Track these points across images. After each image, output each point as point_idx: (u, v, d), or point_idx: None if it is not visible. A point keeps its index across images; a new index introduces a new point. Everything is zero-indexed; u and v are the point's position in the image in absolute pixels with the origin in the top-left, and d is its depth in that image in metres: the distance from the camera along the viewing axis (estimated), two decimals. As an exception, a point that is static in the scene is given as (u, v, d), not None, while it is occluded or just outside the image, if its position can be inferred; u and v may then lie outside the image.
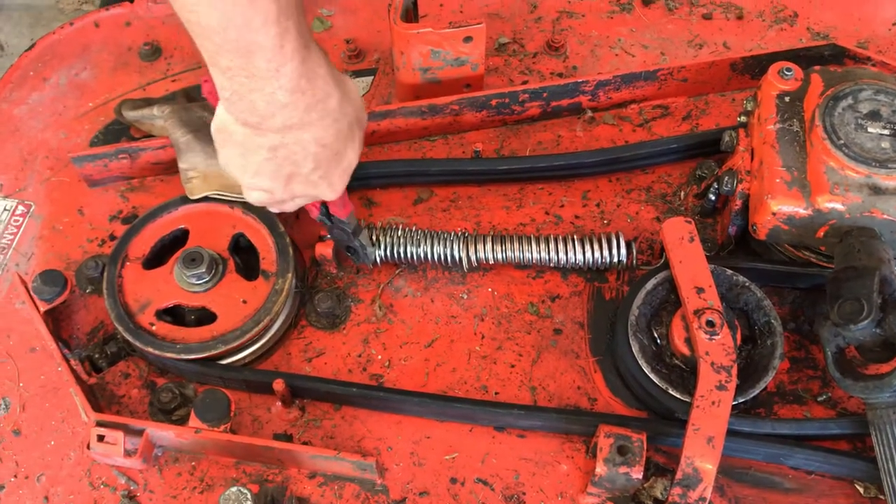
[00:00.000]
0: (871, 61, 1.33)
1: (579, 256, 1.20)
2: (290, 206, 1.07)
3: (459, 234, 1.22)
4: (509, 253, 1.20)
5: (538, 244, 1.20)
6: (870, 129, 1.08)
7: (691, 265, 1.10)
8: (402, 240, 1.21)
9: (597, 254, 1.19)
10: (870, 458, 1.05)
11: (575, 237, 1.21)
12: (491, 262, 1.21)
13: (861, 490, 1.08)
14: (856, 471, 1.07)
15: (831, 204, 1.05)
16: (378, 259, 1.22)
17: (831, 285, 1.03)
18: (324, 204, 1.12)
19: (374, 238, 1.21)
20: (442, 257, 1.21)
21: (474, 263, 1.21)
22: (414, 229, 1.22)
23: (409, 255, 1.21)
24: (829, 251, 1.10)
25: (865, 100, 1.10)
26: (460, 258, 1.20)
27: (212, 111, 1.25)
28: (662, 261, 1.16)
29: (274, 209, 1.07)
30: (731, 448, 1.05)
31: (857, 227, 1.06)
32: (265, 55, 0.83)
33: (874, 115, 1.09)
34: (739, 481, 1.09)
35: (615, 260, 1.20)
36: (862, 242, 1.04)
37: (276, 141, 0.92)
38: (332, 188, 1.02)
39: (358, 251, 1.19)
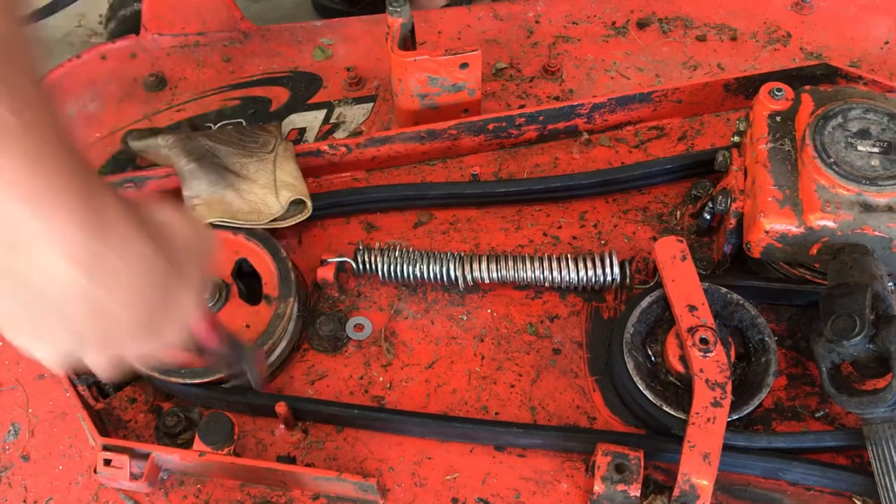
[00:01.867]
0: (863, 80, 1.35)
1: (573, 275, 1.21)
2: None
3: (455, 253, 1.24)
4: (504, 272, 1.22)
5: (532, 263, 1.22)
6: (859, 147, 1.10)
7: (684, 283, 1.12)
8: (399, 260, 1.23)
9: (590, 272, 1.21)
10: (868, 473, 1.06)
11: (569, 256, 1.23)
12: (486, 281, 1.23)
13: (859, 505, 1.09)
14: (854, 485, 1.08)
15: (823, 221, 1.07)
16: (374, 269, 1.23)
17: (824, 302, 1.04)
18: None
19: (373, 259, 1.24)
20: (438, 276, 1.23)
21: (470, 283, 1.23)
22: (411, 249, 1.25)
23: (406, 274, 1.23)
24: (823, 268, 1.12)
25: (855, 118, 1.12)
26: (456, 277, 1.22)
27: (217, 140, 1.29)
28: (655, 280, 1.17)
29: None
30: (728, 463, 1.06)
31: (849, 244, 1.07)
32: None
33: (864, 134, 1.11)
34: (738, 498, 1.09)
35: (608, 279, 1.21)
36: (854, 259, 1.05)
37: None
38: (155, 336, 0.76)
39: (251, 377, 1.06)
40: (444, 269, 1.22)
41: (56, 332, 0.69)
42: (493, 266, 1.22)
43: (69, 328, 0.69)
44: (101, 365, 0.77)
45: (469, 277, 1.23)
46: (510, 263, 1.22)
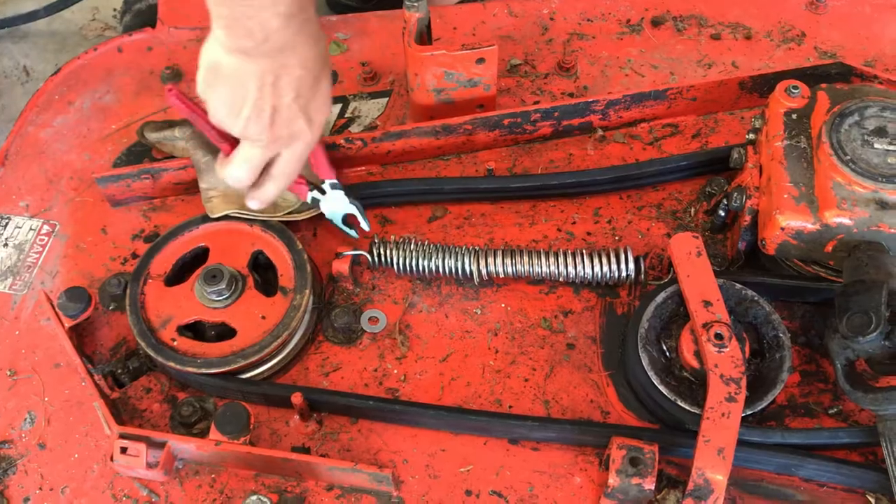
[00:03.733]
0: (878, 79, 1.35)
1: (588, 270, 1.22)
2: (278, 175, 1.13)
3: (470, 247, 1.24)
4: (519, 266, 1.23)
5: (547, 258, 1.23)
6: (876, 145, 1.10)
7: (699, 279, 1.12)
8: (414, 253, 1.24)
9: (605, 268, 1.22)
10: (882, 469, 1.07)
11: (584, 251, 1.23)
12: (501, 275, 1.23)
13: (872, 501, 1.09)
14: (867, 482, 1.08)
15: (839, 219, 1.07)
16: (393, 264, 1.24)
17: (840, 299, 1.04)
18: (311, 183, 1.22)
19: (387, 252, 1.24)
20: (453, 270, 1.23)
21: (485, 277, 1.23)
22: (426, 243, 1.25)
23: (421, 268, 1.24)
24: (838, 265, 1.12)
25: (871, 116, 1.12)
26: (471, 271, 1.23)
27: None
28: (670, 276, 1.18)
29: (260, 192, 1.15)
30: (742, 459, 1.06)
31: (865, 242, 1.07)
32: None
33: (880, 132, 1.11)
34: (752, 493, 1.10)
35: (623, 274, 1.22)
36: (870, 256, 1.05)
37: (265, 66, 1.00)
38: (310, 124, 1.08)
39: (357, 215, 1.25)
40: (459, 263, 1.23)
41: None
42: (507, 260, 1.23)
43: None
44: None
45: (484, 271, 1.23)
46: (525, 258, 1.23)
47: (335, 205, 1.25)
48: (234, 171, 1.12)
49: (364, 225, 1.27)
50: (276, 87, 1.02)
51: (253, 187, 1.16)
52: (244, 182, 1.14)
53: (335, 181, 1.24)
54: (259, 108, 1.03)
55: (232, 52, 1.00)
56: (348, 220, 1.27)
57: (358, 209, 1.26)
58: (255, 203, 1.18)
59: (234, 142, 1.12)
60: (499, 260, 1.23)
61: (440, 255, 1.23)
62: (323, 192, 1.23)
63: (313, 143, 1.13)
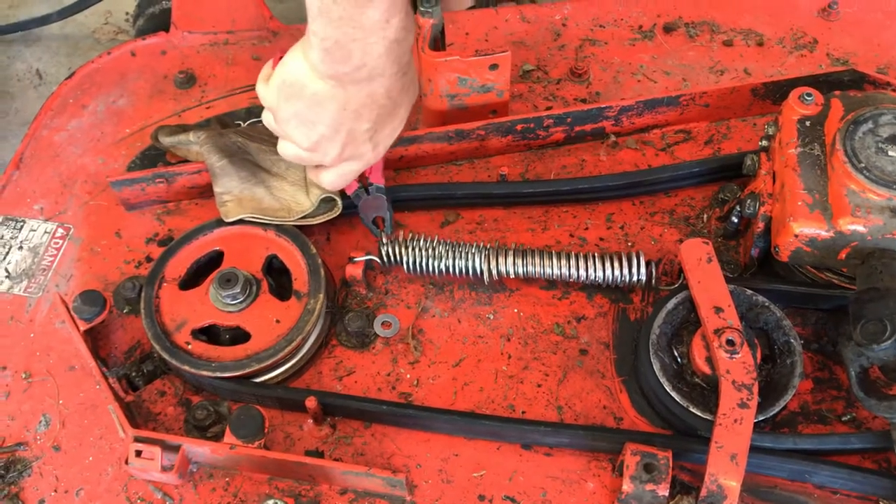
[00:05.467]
0: (891, 86, 1.35)
1: (599, 273, 1.22)
2: (333, 178, 1.15)
3: (481, 247, 1.24)
4: (530, 267, 1.23)
5: (559, 259, 1.23)
6: (890, 153, 1.10)
7: (710, 285, 1.12)
8: (424, 251, 1.24)
9: (617, 271, 1.22)
10: (895, 476, 1.07)
11: (596, 254, 1.23)
12: (512, 275, 1.24)
13: (886, 509, 1.09)
14: (880, 489, 1.08)
15: (853, 226, 1.07)
16: (400, 261, 1.26)
17: (854, 306, 1.04)
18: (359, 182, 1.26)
19: (398, 251, 1.25)
20: (464, 269, 1.24)
21: (495, 277, 1.24)
22: (436, 240, 1.25)
23: (431, 268, 1.24)
24: (851, 273, 1.12)
25: (886, 124, 1.12)
26: (482, 271, 1.23)
27: (248, 137, 1.30)
28: (680, 281, 1.18)
29: (323, 180, 1.17)
30: (755, 465, 1.06)
31: (879, 249, 1.07)
32: (381, 6, 0.91)
33: (894, 139, 1.11)
34: (765, 500, 1.10)
35: (635, 278, 1.22)
36: (884, 264, 1.05)
37: (352, 94, 1.00)
38: (374, 147, 1.11)
39: (386, 219, 1.29)
40: (470, 262, 1.23)
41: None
42: (518, 261, 1.23)
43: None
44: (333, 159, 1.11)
45: (495, 272, 1.23)
46: (536, 258, 1.23)
47: (372, 205, 1.28)
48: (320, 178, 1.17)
49: (387, 228, 1.30)
50: (358, 113, 1.03)
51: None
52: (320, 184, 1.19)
53: (381, 185, 1.27)
54: (335, 129, 1.05)
55: (323, 78, 0.99)
56: (376, 220, 1.30)
57: (389, 215, 1.29)
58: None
59: None
60: (510, 260, 1.23)
61: (451, 254, 1.24)
62: (368, 192, 1.27)
63: (373, 163, 1.17)
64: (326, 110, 1.02)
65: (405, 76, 1.04)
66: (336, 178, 1.16)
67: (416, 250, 1.24)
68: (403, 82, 1.05)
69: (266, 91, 1.07)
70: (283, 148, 1.13)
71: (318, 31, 0.94)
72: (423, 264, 1.24)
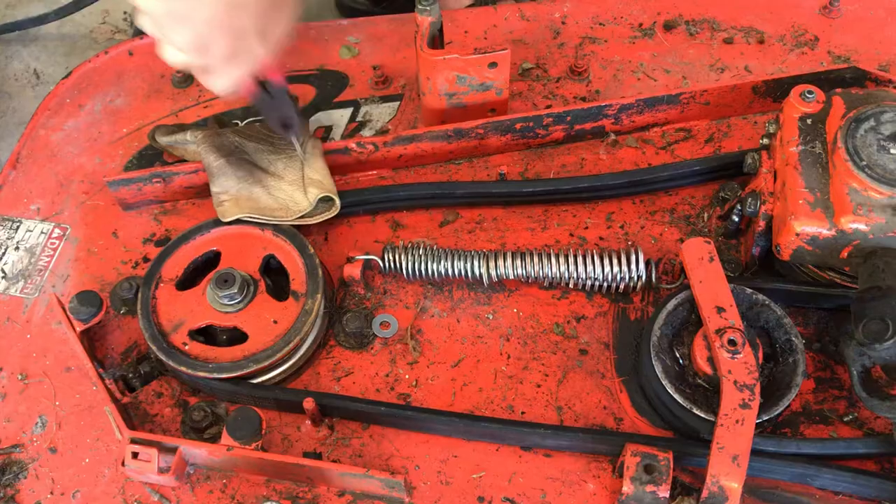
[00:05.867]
0: (893, 84, 1.34)
1: (598, 271, 1.21)
2: (224, 81, 1.11)
3: (479, 250, 1.24)
4: (529, 268, 1.22)
5: (557, 259, 1.22)
6: (892, 151, 1.09)
7: (712, 285, 1.11)
8: (423, 257, 1.23)
9: (615, 269, 1.21)
10: (897, 479, 1.06)
11: (594, 252, 1.22)
12: (511, 277, 1.23)
13: (888, 511, 1.08)
14: (883, 492, 1.07)
15: (855, 225, 1.06)
16: (403, 269, 1.24)
17: (856, 305, 1.03)
18: (260, 82, 1.17)
19: (397, 257, 1.24)
20: (463, 273, 1.23)
21: (495, 279, 1.23)
22: (435, 247, 1.25)
23: (430, 272, 1.23)
24: (853, 271, 1.11)
25: (887, 121, 1.11)
26: (480, 274, 1.22)
27: (245, 136, 1.30)
28: (680, 281, 1.17)
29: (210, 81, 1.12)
30: (757, 468, 1.05)
31: (881, 248, 1.06)
32: None
33: (896, 137, 1.10)
34: (766, 501, 1.09)
35: (634, 276, 1.21)
36: (886, 262, 1.04)
37: None
38: (264, 43, 1.06)
39: (295, 118, 1.22)
40: (469, 266, 1.22)
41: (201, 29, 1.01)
42: (517, 262, 1.22)
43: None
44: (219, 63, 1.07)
45: (494, 274, 1.22)
46: (535, 260, 1.22)
47: (275, 107, 1.21)
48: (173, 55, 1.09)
49: (296, 131, 1.24)
50: (235, 2, 1.00)
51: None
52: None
53: (283, 84, 1.19)
54: (216, 24, 1.01)
55: None
56: (286, 122, 1.23)
57: (297, 117, 1.22)
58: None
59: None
60: (508, 262, 1.22)
61: (450, 259, 1.23)
62: (269, 94, 1.19)
63: (265, 59, 1.10)
64: (202, 2, 0.99)
65: None
66: (227, 81, 1.10)
67: (416, 256, 1.23)
68: None
69: (141, 16, 1.04)
70: (166, 53, 1.08)
71: None
72: (424, 270, 1.23)
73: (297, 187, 1.26)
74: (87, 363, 1.14)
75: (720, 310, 1.09)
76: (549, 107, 1.46)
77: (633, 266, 1.21)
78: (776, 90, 1.40)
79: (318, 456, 1.12)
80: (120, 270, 1.31)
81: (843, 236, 1.07)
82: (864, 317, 1.01)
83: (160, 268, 1.22)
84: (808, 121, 1.16)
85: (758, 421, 1.03)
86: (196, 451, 1.09)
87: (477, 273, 1.23)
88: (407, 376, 1.20)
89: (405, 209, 1.35)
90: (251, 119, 1.46)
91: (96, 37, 2.18)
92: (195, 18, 1.01)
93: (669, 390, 1.09)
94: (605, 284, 1.23)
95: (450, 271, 1.23)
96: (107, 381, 1.16)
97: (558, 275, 1.22)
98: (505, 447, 1.14)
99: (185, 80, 1.52)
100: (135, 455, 1.08)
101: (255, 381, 1.16)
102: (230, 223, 1.24)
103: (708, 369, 1.09)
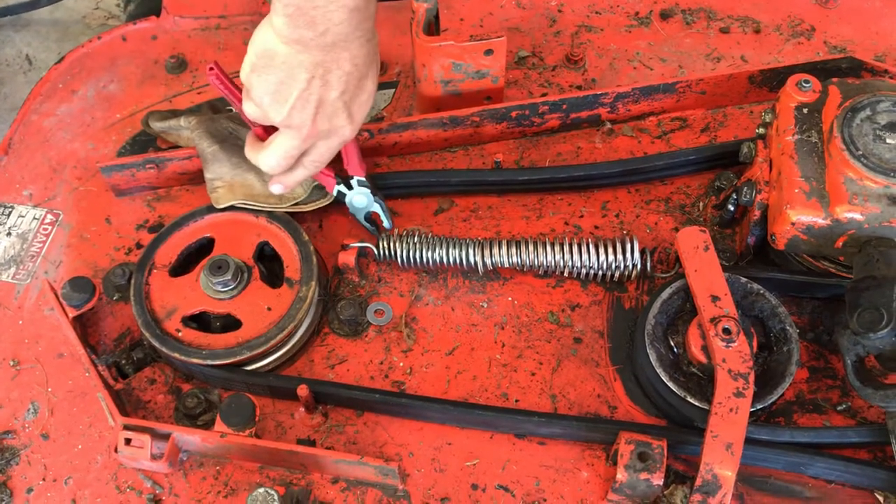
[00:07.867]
0: (889, 73, 1.34)
1: (592, 259, 1.21)
2: (309, 164, 1.14)
3: (474, 238, 1.23)
4: (524, 256, 1.22)
5: (552, 248, 1.22)
6: (888, 140, 1.09)
7: (707, 274, 1.11)
8: (418, 245, 1.23)
9: (610, 257, 1.21)
10: (890, 468, 1.06)
11: (589, 241, 1.22)
12: (505, 265, 1.23)
13: (881, 500, 1.08)
14: (876, 480, 1.07)
15: (850, 214, 1.06)
16: (398, 257, 1.24)
17: (850, 294, 1.03)
18: (339, 176, 1.23)
19: (391, 244, 1.23)
20: (457, 261, 1.22)
21: (489, 267, 1.23)
22: (430, 235, 1.24)
23: (425, 260, 1.23)
24: (848, 261, 1.11)
25: (883, 111, 1.11)
26: (475, 262, 1.22)
27: (238, 122, 1.29)
28: (675, 270, 1.17)
29: (290, 177, 1.16)
30: (750, 457, 1.05)
31: (876, 237, 1.06)
32: None
33: (892, 127, 1.10)
34: (759, 489, 1.09)
35: (629, 264, 1.21)
36: (881, 252, 1.04)
37: (318, 58, 1.01)
38: (350, 120, 1.09)
39: (381, 213, 1.27)
40: (464, 254, 1.22)
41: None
42: (512, 250, 1.22)
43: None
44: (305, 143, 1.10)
45: (489, 262, 1.22)
46: (530, 248, 1.22)
47: (360, 201, 1.26)
48: (269, 158, 1.12)
49: (386, 223, 1.27)
50: (326, 80, 1.03)
51: (280, 173, 1.16)
52: (276, 170, 1.14)
53: (363, 178, 1.24)
54: (305, 99, 1.04)
55: (288, 42, 1.01)
56: (371, 216, 1.28)
57: (382, 207, 1.27)
58: (278, 188, 1.18)
59: (269, 126, 1.12)
60: (503, 250, 1.22)
61: (445, 247, 1.23)
62: (350, 187, 1.24)
63: (350, 139, 1.13)
64: (294, 78, 1.02)
65: (369, 43, 1.05)
66: (315, 157, 1.13)
67: (410, 244, 1.23)
68: (367, 49, 1.05)
69: (242, 69, 1.07)
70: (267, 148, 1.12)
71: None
72: (419, 257, 1.23)
73: (291, 174, 1.25)
74: (79, 349, 1.14)
75: (715, 299, 1.09)
76: (544, 95, 1.46)
77: (628, 255, 1.21)
78: (772, 80, 1.40)
79: (311, 443, 1.12)
80: (113, 257, 1.30)
81: (839, 226, 1.07)
82: (858, 306, 1.01)
83: (153, 254, 1.21)
84: (805, 110, 1.16)
85: (752, 409, 1.03)
86: (189, 438, 1.09)
87: (472, 261, 1.23)
88: (401, 364, 1.20)
89: (400, 197, 1.34)
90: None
91: (89, 22, 2.17)
92: (288, 93, 1.04)
93: (664, 379, 1.09)
94: (600, 273, 1.23)
95: (444, 259, 1.23)
96: (99, 367, 1.15)
97: (553, 263, 1.22)
98: (499, 435, 1.14)
99: (179, 65, 1.51)
100: (128, 441, 1.07)
101: (248, 367, 1.16)
102: (224, 210, 1.23)
103: (702, 358, 1.09)
